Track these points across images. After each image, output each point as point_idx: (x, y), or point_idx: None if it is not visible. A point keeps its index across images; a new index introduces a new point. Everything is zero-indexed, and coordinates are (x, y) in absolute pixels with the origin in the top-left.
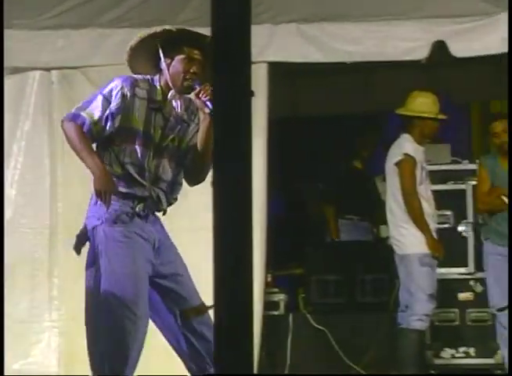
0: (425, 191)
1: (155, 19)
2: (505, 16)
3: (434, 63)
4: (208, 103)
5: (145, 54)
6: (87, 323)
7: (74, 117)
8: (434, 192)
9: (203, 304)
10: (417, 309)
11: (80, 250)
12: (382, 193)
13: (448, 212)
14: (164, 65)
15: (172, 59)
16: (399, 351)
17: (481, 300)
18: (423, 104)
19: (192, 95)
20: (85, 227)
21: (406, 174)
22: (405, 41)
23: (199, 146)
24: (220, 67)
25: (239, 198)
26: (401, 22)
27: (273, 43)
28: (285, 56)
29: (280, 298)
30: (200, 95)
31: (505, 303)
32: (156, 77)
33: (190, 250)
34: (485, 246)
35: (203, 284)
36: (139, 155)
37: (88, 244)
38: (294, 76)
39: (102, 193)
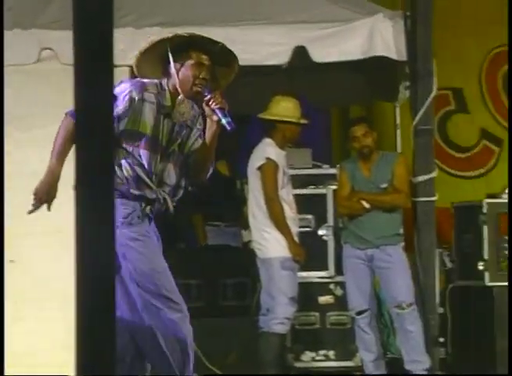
0: (287, 195)
1: (15, 22)
2: (365, 22)
3: (296, 67)
4: (217, 111)
5: (153, 58)
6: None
7: (73, 114)
8: (296, 196)
9: None
10: (278, 313)
11: None
12: None
13: (309, 216)
14: (173, 70)
15: (182, 64)
16: (260, 354)
17: (341, 303)
18: (285, 109)
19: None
20: None
21: (268, 178)
22: (266, 46)
23: (203, 150)
24: (82, 69)
25: (100, 202)
26: (262, 27)
27: (135, 47)
28: None
29: None
30: (210, 103)
31: (364, 306)
32: (165, 82)
33: (43, 253)
34: (345, 249)
35: (55, 285)
36: (147, 159)
37: None
38: None
39: (38, 198)
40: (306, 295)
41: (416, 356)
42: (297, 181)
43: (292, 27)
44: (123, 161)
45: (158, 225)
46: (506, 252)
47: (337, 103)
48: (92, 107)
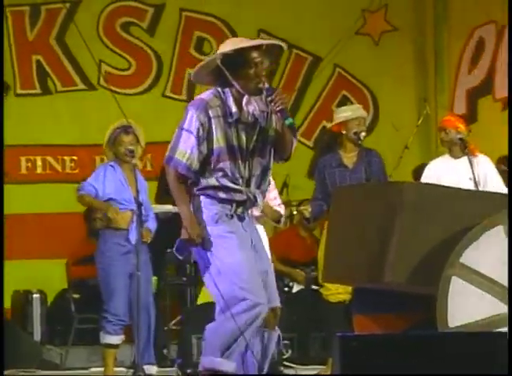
0: None
1: None
2: None
3: None
4: (279, 114)
5: (208, 74)
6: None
7: (169, 161)
8: None
9: (279, 307)
10: None
11: (183, 254)
12: None
13: None
14: (230, 79)
15: (237, 73)
16: None
17: None
18: None
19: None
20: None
21: None
22: None
23: (281, 131)
24: None
25: None
26: None
27: None
28: None
29: None
30: (272, 105)
31: None
32: (227, 90)
33: None
34: None
35: None
36: (230, 169)
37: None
38: None
39: (191, 240)
40: None
41: None
42: None
43: None
44: (207, 174)
45: None
46: None
47: None
48: None
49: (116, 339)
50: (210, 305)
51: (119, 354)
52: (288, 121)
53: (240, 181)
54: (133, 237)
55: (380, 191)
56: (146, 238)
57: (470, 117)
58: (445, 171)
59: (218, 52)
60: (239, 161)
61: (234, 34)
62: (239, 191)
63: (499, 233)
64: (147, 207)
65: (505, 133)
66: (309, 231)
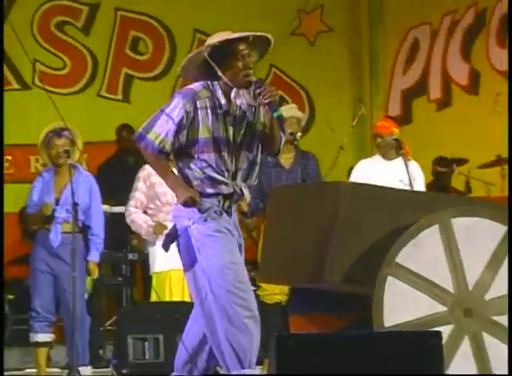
0: None
1: None
2: None
3: None
4: (267, 107)
5: (196, 68)
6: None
7: (140, 138)
8: None
9: None
10: None
11: (168, 247)
12: None
13: None
14: (219, 72)
15: (225, 65)
16: None
17: None
18: None
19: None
20: (175, 227)
21: None
22: None
23: (269, 124)
24: None
25: None
26: None
27: None
28: None
29: None
30: (260, 98)
31: None
32: (216, 82)
33: None
34: None
35: None
36: (214, 160)
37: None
38: None
39: (188, 202)
40: None
41: None
42: None
43: None
44: (192, 165)
45: None
46: None
47: None
48: None
49: (42, 337)
50: (148, 305)
51: (54, 355)
52: (276, 114)
53: (226, 174)
54: (54, 239)
55: (317, 191)
56: (91, 273)
57: (405, 118)
58: (376, 172)
59: (206, 44)
60: (225, 154)
61: (169, 34)
62: (225, 183)
63: (434, 232)
64: (91, 213)
65: (439, 133)
66: (248, 232)
